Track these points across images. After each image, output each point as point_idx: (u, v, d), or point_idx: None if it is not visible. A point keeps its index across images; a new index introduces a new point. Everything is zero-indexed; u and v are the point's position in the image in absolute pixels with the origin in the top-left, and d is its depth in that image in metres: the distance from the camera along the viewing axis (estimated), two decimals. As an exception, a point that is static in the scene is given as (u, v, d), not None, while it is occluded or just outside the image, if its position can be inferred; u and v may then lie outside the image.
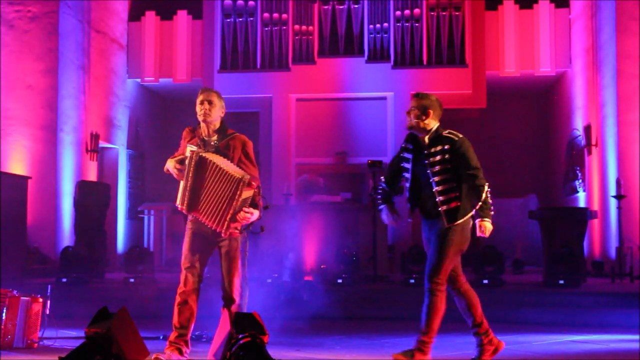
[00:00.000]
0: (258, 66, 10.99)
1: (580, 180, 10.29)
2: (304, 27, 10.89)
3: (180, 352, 3.98)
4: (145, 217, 10.71)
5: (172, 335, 4.02)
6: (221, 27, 11.04)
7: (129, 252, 7.48)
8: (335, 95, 10.97)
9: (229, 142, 4.07)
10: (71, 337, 5.02)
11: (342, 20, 10.83)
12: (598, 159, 9.46)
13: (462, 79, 10.71)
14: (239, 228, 3.95)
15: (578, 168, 10.36)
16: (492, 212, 3.91)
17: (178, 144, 4.31)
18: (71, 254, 7.23)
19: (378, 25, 10.77)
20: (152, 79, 11.39)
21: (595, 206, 9.35)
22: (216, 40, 11.07)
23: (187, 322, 4.02)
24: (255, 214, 3.97)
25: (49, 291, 4.89)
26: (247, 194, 3.90)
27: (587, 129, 9.78)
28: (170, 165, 4.09)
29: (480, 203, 3.89)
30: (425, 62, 10.77)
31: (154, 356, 3.90)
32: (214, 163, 3.92)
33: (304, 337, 5.10)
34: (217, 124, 4.12)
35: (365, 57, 10.81)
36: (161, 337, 4.91)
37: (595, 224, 9.25)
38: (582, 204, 10.08)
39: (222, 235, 3.95)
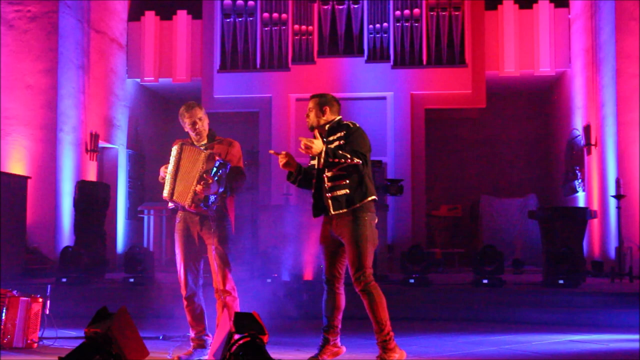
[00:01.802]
0: (258, 66, 10.98)
1: (579, 180, 10.29)
2: (303, 27, 10.89)
3: (204, 346, 4.19)
4: (145, 217, 10.70)
5: (192, 333, 4.24)
6: (221, 27, 11.04)
7: (128, 252, 7.47)
8: (335, 95, 10.94)
9: (216, 145, 4.23)
10: (71, 337, 5.02)
11: (342, 20, 10.83)
12: (598, 159, 9.47)
13: (462, 79, 10.70)
14: (201, 198, 4.03)
15: (578, 168, 10.37)
16: (331, 160, 3.80)
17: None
18: (71, 254, 7.23)
19: (378, 25, 10.77)
20: (152, 78, 11.38)
21: (595, 206, 9.35)
22: (216, 40, 11.07)
23: (201, 317, 4.22)
24: (215, 185, 4.04)
25: (48, 291, 4.89)
26: (208, 166, 4.05)
27: (587, 129, 9.78)
28: (162, 169, 4.23)
29: (344, 154, 3.84)
30: (424, 62, 10.77)
31: (175, 357, 4.10)
32: (194, 149, 4.10)
33: (304, 336, 5.10)
34: (207, 130, 4.27)
35: (365, 57, 10.81)
36: (161, 337, 4.91)
37: (594, 223, 9.25)
38: (581, 203, 10.08)
39: (186, 206, 4.04)
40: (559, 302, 6.24)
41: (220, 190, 4.07)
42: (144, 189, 11.84)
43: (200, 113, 4.20)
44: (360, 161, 3.86)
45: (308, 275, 7.24)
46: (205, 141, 4.24)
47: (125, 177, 11.25)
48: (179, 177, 4.08)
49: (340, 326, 4.14)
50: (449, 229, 11.41)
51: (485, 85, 10.74)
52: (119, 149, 11.01)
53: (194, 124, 4.19)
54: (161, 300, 5.78)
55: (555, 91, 11.66)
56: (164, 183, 4.23)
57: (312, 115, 4.14)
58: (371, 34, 10.80)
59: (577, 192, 10.36)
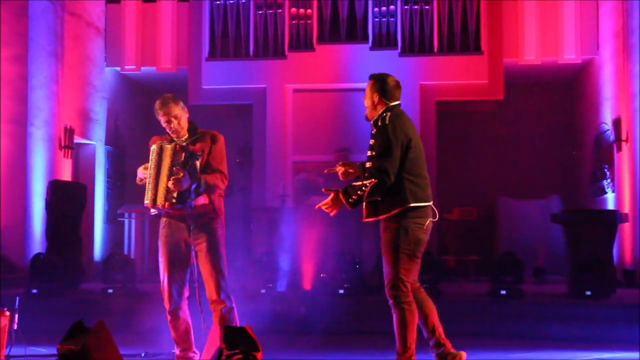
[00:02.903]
0: (251, 54, 10.96)
1: (608, 180, 10.27)
2: (301, 11, 10.87)
3: None
4: (126, 221, 10.68)
5: (178, 350, 4.24)
6: (210, 11, 11.02)
7: (107, 260, 7.46)
8: (337, 86, 10.94)
9: (198, 140, 4.24)
10: (42, 354, 5.01)
11: (344, 3, 10.81)
12: (629, 156, 9.44)
13: (477, 68, 10.68)
14: (175, 195, 4.04)
15: (606, 166, 10.34)
16: (351, 201, 3.87)
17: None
18: (42, 262, 7.21)
19: (384, 9, 10.74)
20: (133, 67, 11.36)
21: (626, 208, 9.32)
22: (204, 25, 11.04)
23: (186, 333, 4.21)
24: (187, 179, 4.04)
25: (17, 303, 4.87)
26: (176, 159, 4.08)
27: (617, 123, 9.75)
28: (140, 170, 4.26)
29: (354, 184, 3.89)
30: (436, 49, 10.75)
31: None
32: (165, 146, 4.14)
33: (302, 354, 5.07)
34: (185, 126, 4.29)
35: (370, 44, 10.78)
36: (143, 355, 4.88)
37: (625, 228, 9.22)
38: (611, 206, 10.05)
39: (161, 208, 4.07)
40: (586, 315, 6.22)
41: (194, 185, 4.06)
42: (125, 189, 11.82)
43: (176, 109, 4.21)
44: (375, 180, 3.81)
45: (307, 284, 7.23)
46: (185, 136, 4.25)
47: (103, 176, 11.23)
48: (161, 180, 4.08)
49: (441, 329, 4.11)
50: (463, 234, 11.38)
51: (504, 74, 10.71)
52: (97, 145, 10.99)
53: (168, 122, 4.22)
54: (144, 314, 5.78)
55: (582, 81, 11.64)
56: (143, 186, 4.23)
57: (366, 101, 4.12)
58: (376, 18, 10.78)
59: (606, 193, 10.34)
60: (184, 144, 4.20)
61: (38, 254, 7.46)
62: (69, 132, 10.02)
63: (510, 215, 11.03)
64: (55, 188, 8.36)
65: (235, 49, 10.98)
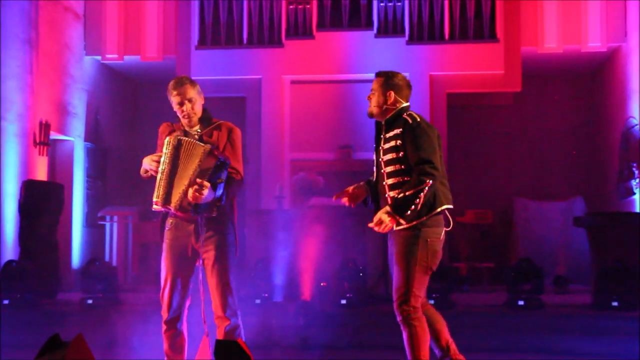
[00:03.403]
0: (244, 41, 10.95)
1: (637, 180, 10.25)
2: (300, -6, 10.87)
3: None
4: (107, 225, 10.67)
5: None
6: (199, -6, 11.01)
7: (86, 267, 7.44)
8: (339, 77, 10.93)
9: (213, 131, 4.20)
10: (15, 371, 4.97)
11: (347, -14, 10.82)
12: (658, 154, 9.43)
13: (492, 57, 10.67)
14: (191, 204, 4.00)
15: (634, 165, 10.32)
16: (409, 213, 3.85)
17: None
18: (15, 270, 7.19)
19: (390, -8, 10.75)
20: (116, 56, 11.34)
21: (655, 211, 9.31)
22: (193, 10, 11.03)
23: (180, 348, 4.20)
24: (210, 191, 3.99)
25: (-13, 315, 4.84)
26: (206, 164, 4.00)
27: (645, 118, 9.74)
28: (147, 161, 4.16)
29: (406, 194, 3.86)
30: (447, 37, 10.74)
31: None
32: (191, 142, 4.04)
33: (301, 370, 5.05)
34: (199, 113, 4.23)
35: (375, 31, 10.78)
36: (125, 372, 4.86)
37: (655, 232, 9.20)
38: (639, 208, 10.04)
39: (172, 210, 4.02)
40: (612, 328, 6.22)
41: (216, 196, 4.03)
42: (106, 190, 11.81)
43: (192, 92, 4.16)
44: (430, 181, 3.84)
45: (306, 294, 7.22)
46: (197, 126, 4.21)
47: (82, 175, 11.21)
48: (177, 179, 4.03)
49: (454, 345, 4.14)
50: (476, 239, 11.37)
51: (521, 64, 10.70)
52: (75, 141, 10.97)
53: (181, 104, 4.15)
54: (127, 327, 5.78)
55: (607, 71, 11.62)
56: (146, 179, 4.20)
57: (373, 100, 4.12)
58: (382, 2, 10.77)
59: (634, 194, 10.32)
60: (196, 135, 4.15)
61: (10, 261, 7.44)
62: (45, 127, 9.99)
63: (529, 219, 11.01)
64: (29, 188, 8.33)
65: (228, 37, 10.96)
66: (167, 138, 4.10)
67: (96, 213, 11.00)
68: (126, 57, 11.38)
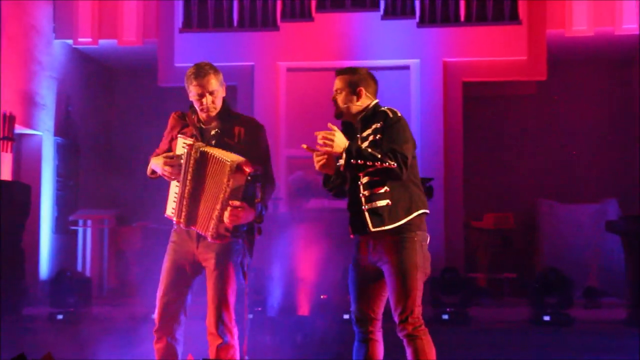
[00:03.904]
0: (235, 24, 10.94)
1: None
2: (297, -30, 10.87)
3: None
4: (80, 230, 10.66)
5: None
6: (184, -30, 11.01)
7: (56, 279, 7.44)
8: (340, 64, 10.90)
9: (234, 127, 4.20)
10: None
11: (350, -39, 10.82)
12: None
13: (514, 41, 10.66)
14: (229, 230, 4.03)
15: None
16: (353, 162, 3.87)
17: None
18: (-24, 281, 7.17)
19: (399, -32, 10.75)
20: (89, 40, 11.32)
21: (698, 215, 9.30)
22: (177, -12, 11.04)
23: None
24: (249, 210, 4.03)
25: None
26: (236, 181, 4.00)
27: (686, 109, 9.73)
28: (159, 163, 4.16)
29: (370, 151, 3.91)
30: (462, 19, 10.73)
31: None
32: (217, 157, 4.03)
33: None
34: (219, 107, 4.25)
35: (381, 12, 10.77)
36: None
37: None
38: (679, 211, 10.04)
39: (209, 239, 4.05)
40: (650, 347, 6.20)
41: (256, 212, 4.05)
42: (79, 191, 11.80)
43: (215, 83, 4.18)
44: (395, 164, 3.89)
45: (303, 309, 7.22)
46: (215, 123, 4.20)
47: (52, 174, 11.20)
48: (203, 200, 4.06)
49: None
50: (496, 246, 11.37)
51: (547, 49, 10.69)
52: (44, 136, 10.96)
53: (201, 97, 4.15)
54: (103, 345, 5.77)
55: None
56: (154, 179, 4.25)
57: (340, 99, 4.19)
58: (390, -21, 10.78)
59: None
60: (214, 132, 4.15)
61: (-30, 271, 7.42)
62: (9, 120, 9.98)
63: (555, 223, 11.01)
64: (-8, 189, 8.32)
65: (216, 18, 10.95)
66: (185, 147, 4.07)
67: (67, 217, 10.99)
68: (101, 41, 11.37)
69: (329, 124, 4.02)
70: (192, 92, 4.16)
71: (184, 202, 4.08)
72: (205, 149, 4.06)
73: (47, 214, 11.00)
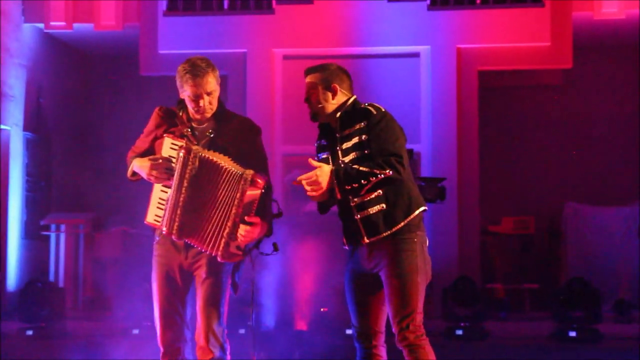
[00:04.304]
0: (225, 6, 10.93)
1: None
2: (294, -53, 10.88)
3: None
4: (52, 236, 10.66)
5: None
6: (168, -54, 11.01)
7: (26, 290, 7.43)
8: (343, 51, 10.91)
9: (230, 129, 4.23)
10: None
11: (353, -64, 10.82)
12: None
13: (536, 25, 10.65)
14: (242, 248, 4.07)
15: None
16: (348, 188, 3.92)
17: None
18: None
19: (407, -57, 10.75)
20: (63, 24, 11.31)
21: None
22: (161, -34, 11.04)
23: None
24: (262, 226, 4.08)
25: None
26: (250, 196, 4.02)
27: None
28: (144, 166, 4.15)
29: (360, 169, 3.93)
30: (478, 1, 10.72)
31: None
32: (224, 167, 4.04)
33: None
34: (216, 107, 4.26)
35: (389, -7, 10.79)
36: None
37: None
38: None
39: (219, 259, 4.07)
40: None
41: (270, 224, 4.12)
42: (51, 192, 11.79)
43: (214, 83, 4.18)
44: (391, 171, 3.93)
45: (301, 323, 7.22)
46: (209, 123, 4.23)
47: (21, 174, 11.19)
48: (208, 210, 4.07)
49: None
50: (516, 254, 11.37)
51: (572, 34, 10.68)
52: (12, 131, 10.95)
53: (197, 98, 4.15)
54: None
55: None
56: (136, 181, 4.25)
57: (314, 99, 4.22)
58: (397, -44, 10.78)
59: None
60: (208, 133, 4.18)
61: None
62: (-25, 113, 9.98)
63: (582, 228, 10.99)
64: (-45, 190, 8.32)
65: (204, 0, 10.95)
66: (172, 145, 4.08)
67: (38, 221, 10.98)
68: (76, 26, 11.34)
69: (310, 160, 4.01)
70: (187, 92, 4.15)
71: (178, 212, 4.06)
72: (207, 155, 4.06)
73: (15, 218, 10.98)
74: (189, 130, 4.19)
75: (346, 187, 3.91)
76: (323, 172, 3.93)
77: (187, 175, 4.05)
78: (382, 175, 3.90)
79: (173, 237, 4.09)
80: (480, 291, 7.27)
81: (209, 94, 4.15)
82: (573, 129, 12.33)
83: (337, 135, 4.14)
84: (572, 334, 6.75)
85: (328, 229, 8.06)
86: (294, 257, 7.65)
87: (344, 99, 4.20)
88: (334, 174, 3.92)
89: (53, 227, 10.68)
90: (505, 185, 12.08)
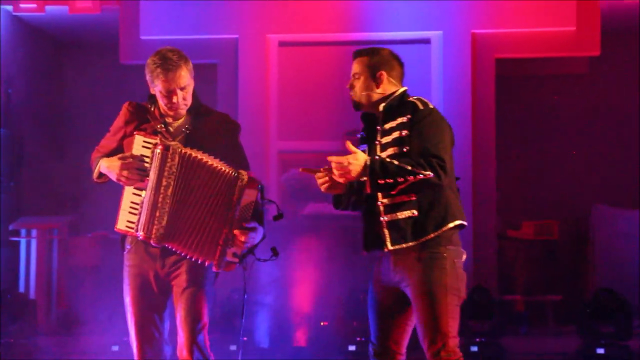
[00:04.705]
0: (214, -13, 10.97)
1: None
2: None
3: None
4: (23, 242, 10.67)
5: None
6: None
7: (-6, 301, 7.42)
8: (345, 37, 10.94)
9: (208, 126, 4.28)
10: None
11: None
12: None
13: (560, 9, 10.67)
14: (238, 254, 4.11)
15: None
16: (381, 182, 3.91)
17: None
18: None
19: None
20: (34, 5, 11.32)
21: None
22: (143, -57, 11.05)
23: None
24: (260, 230, 4.16)
25: None
26: (247, 198, 4.08)
27: None
28: (113, 166, 4.15)
29: (397, 163, 3.92)
30: (495, -20, 10.76)
31: None
32: (205, 163, 4.08)
33: None
34: (190, 102, 4.33)
35: (394, -26, 10.81)
36: None
37: None
38: None
39: (214, 269, 4.12)
40: None
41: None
42: (22, 194, 11.80)
43: (187, 77, 4.22)
44: (431, 173, 3.91)
45: (300, 337, 7.25)
46: (184, 119, 4.28)
47: (-12, 174, 11.20)
48: (196, 215, 4.09)
49: None
50: (537, 262, 11.38)
51: (600, 19, 10.70)
52: (-21, 126, 10.97)
53: (170, 94, 4.19)
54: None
55: None
56: (102, 184, 4.26)
57: (358, 86, 4.26)
58: None
59: None
60: (184, 129, 4.23)
61: None
62: (-63, 106, 9.99)
63: (611, 233, 11.01)
64: None
65: (191, -20, 10.98)
66: (145, 143, 4.10)
67: (7, 225, 11.00)
68: (48, 8, 11.35)
69: (347, 143, 4.00)
70: (159, 87, 4.20)
71: (157, 214, 4.08)
72: (189, 152, 4.10)
73: (-18, 222, 11.00)
74: (163, 126, 4.22)
75: (379, 180, 3.89)
76: (357, 158, 3.93)
77: (165, 174, 4.08)
78: (422, 176, 3.89)
79: (152, 242, 4.10)
80: (498, 303, 7.29)
81: (182, 88, 4.20)
82: (601, 122, 12.34)
83: (379, 128, 4.17)
84: (600, 351, 6.77)
85: (329, 233, 8.09)
86: (290, 266, 7.67)
87: (391, 89, 4.22)
88: (370, 164, 3.91)
89: (23, 232, 10.69)
90: (525, 186, 12.09)
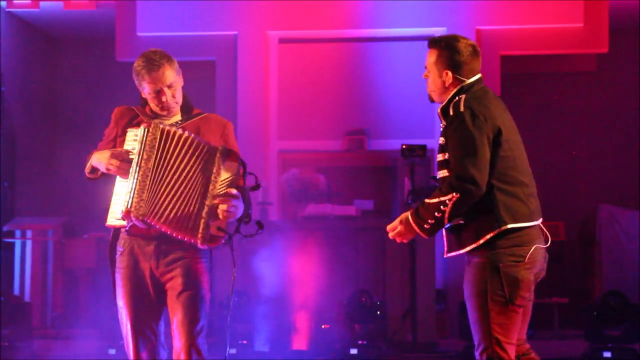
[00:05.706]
0: (212, -18, 10.98)
1: None
2: None
3: None
4: (17, 243, 10.68)
5: None
6: None
7: (-13, 304, 7.43)
8: (347, 34, 10.94)
9: (199, 124, 4.34)
10: None
11: None
12: None
13: (567, 5, 10.68)
14: (223, 228, 4.12)
15: None
16: (428, 227, 4.00)
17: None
18: None
19: None
20: (28, 2, 11.33)
21: None
22: (139, -63, 11.07)
23: None
24: (241, 203, 4.14)
25: None
26: (228, 171, 4.13)
27: None
28: (103, 157, 4.19)
29: (427, 201, 4.00)
30: (501, -25, 10.78)
31: None
32: (185, 137, 4.13)
33: None
34: (181, 100, 4.37)
35: (398, -32, 10.82)
36: None
37: None
38: None
39: (199, 245, 4.11)
40: None
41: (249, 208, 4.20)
42: (15, 195, 11.80)
43: (172, 74, 4.27)
44: (457, 194, 3.90)
45: (301, 341, 7.26)
46: (177, 117, 4.34)
47: (-19, 174, 11.20)
48: (179, 189, 4.11)
49: None
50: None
51: (608, 16, 10.70)
52: (-29, 125, 10.97)
53: (158, 94, 4.25)
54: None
55: None
56: (93, 180, 4.31)
57: (429, 81, 4.22)
58: None
59: None
60: (178, 125, 4.26)
61: None
62: None
63: (618, 234, 10.99)
64: None
65: (189, -25, 10.99)
66: (135, 137, 4.14)
67: (1, 227, 11.01)
68: (43, 4, 11.37)
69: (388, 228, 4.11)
70: (147, 89, 4.26)
71: (136, 188, 4.08)
72: (170, 128, 4.15)
73: (-25, 223, 11.01)
74: (153, 119, 4.27)
75: (426, 226, 3.97)
76: (402, 219, 4.04)
77: (147, 147, 4.10)
78: (450, 202, 3.91)
79: (132, 217, 4.07)
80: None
81: (169, 86, 4.25)
82: (609, 121, 12.34)
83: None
84: (607, 354, 6.77)
85: (329, 235, 8.08)
86: (290, 267, 7.67)
87: (457, 86, 4.13)
88: (408, 218, 4.01)
89: (18, 233, 10.69)
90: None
